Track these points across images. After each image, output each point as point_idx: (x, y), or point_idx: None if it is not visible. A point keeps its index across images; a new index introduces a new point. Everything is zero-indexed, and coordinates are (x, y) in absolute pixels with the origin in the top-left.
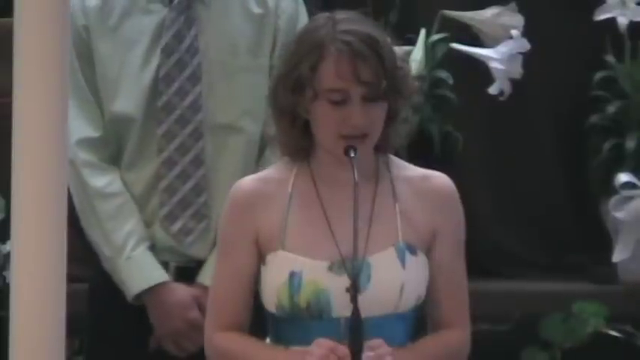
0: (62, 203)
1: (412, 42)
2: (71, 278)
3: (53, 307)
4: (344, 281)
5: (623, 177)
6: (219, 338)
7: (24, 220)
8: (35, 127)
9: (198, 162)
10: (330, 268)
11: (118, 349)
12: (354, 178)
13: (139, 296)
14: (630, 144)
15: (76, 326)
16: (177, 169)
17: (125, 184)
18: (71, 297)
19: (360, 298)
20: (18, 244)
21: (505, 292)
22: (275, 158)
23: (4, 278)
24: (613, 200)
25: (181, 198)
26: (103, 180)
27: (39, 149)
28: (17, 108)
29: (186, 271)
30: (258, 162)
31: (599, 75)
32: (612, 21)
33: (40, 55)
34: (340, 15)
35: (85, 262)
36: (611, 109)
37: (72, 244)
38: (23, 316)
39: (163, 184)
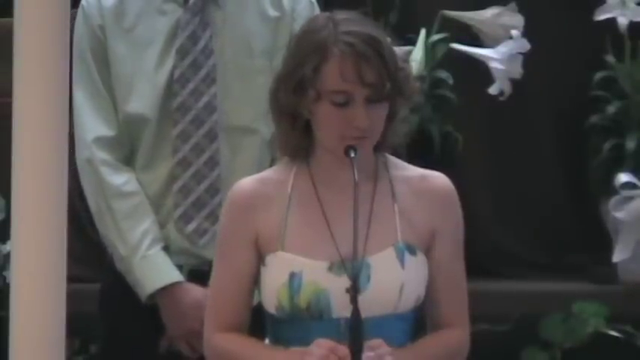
0: (62, 203)
1: (412, 42)
2: (71, 278)
3: (53, 307)
4: (344, 282)
5: (623, 177)
6: (218, 339)
7: (24, 220)
8: (35, 127)
9: (212, 163)
10: (330, 269)
11: (130, 349)
12: (354, 179)
13: (153, 296)
14: (630, 144)
15: (76, 326)
16: (191, 170)
17: (139, 184)
18: (71, 297)
19: (360, 299)
20: (18, 244)
21: (505, 292)
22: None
23: (4, 278)
24: (613, 200)
25: (196, 199)
26: (120, 179)
27: (39, 149)
28: (17, 108)
29: (200, 274)
30: (272, 164)
31: (599, 75)
32: (612, 21)
33: (40, 55)
34: (340, 15)
35: (86, 262)
36: (611, 109)
37: (72, 244)
38: (23, 316)
39: (178, 184)
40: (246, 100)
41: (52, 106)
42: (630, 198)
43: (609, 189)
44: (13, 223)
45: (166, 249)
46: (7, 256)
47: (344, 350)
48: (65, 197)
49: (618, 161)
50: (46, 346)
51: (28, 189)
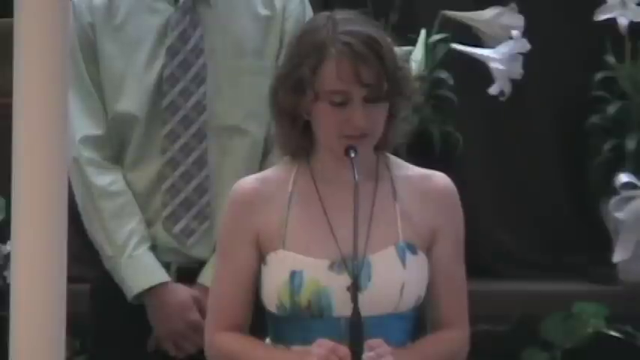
0: (62, 203)
1: (412, 42)
2: (71, 278)
3: (53, 307)
4: (344, 280)
5: (623, 177)
6: (219, 338)
7: (24, 220)
8: (35, 127)
9: (201, 163)
10: (331, 267)
11: (118, 348)
12: (355, 178)
13: (140, 296)
14: (630, 144)
15: (76, 326)
16: (180, 170)
17: (127, 183)
18: (71, 297)
19: (361, 297)
20: (18, 244)
21: (505, 292)
22: (280, 161)
23: (4, 278)
24: (613, 200)
25: (184, 199)
26: (106, 178)
27: (39, 149)
28: (17, 108)
29: (188, 272)
30: (262, 164)
31: (599, 75)
32: (612, 21)
33: (40, 55)
34: (340, 15)
35: (86, 262)
36: (611, 109)
37: (72, 244)
38: (23, 316)
39: (166, 184)
40: (235, 100)
41: (52, 106)
42: (630, 198)
43: (609, 189)
44: (13, 223)
45: (154, 248)
46: (7, 256)
47: (344, 350)
48: (65, 197)
49: (618, 161)
50: (46, 346)
51: (28, 189)
